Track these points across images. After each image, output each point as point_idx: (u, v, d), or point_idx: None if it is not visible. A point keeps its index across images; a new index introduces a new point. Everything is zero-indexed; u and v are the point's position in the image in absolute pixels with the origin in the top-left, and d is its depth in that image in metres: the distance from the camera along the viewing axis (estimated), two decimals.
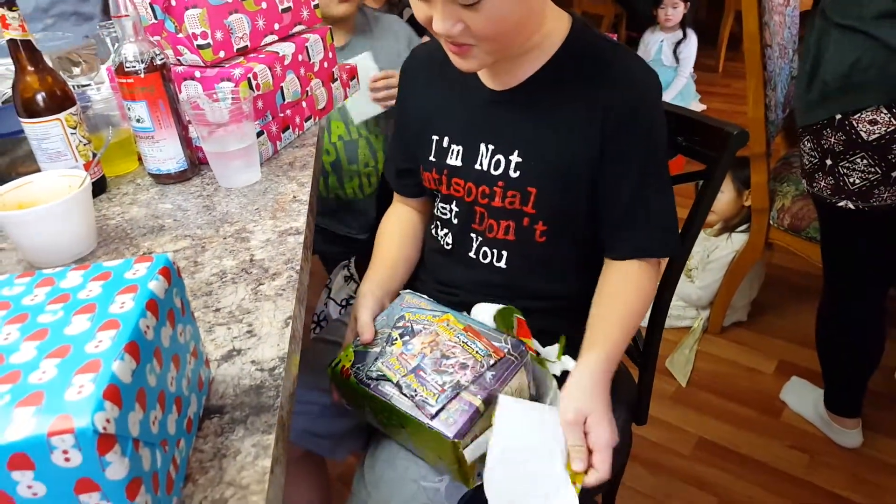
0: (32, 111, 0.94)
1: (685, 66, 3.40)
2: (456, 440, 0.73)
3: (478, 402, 0.76)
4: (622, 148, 0.85)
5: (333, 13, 1.54)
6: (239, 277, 0.79)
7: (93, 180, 0.99)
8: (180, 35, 1.01)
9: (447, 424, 0.74)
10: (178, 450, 0.51)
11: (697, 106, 3.50)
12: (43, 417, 0.40)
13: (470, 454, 0.75)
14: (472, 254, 0.97)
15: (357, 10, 1.62)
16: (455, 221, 0.98)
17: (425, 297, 0.94)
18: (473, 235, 0.96)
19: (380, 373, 0.83)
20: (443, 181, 0.96)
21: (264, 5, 1.09)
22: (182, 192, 1.03)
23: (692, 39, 3.39)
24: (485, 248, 0.96)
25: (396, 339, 0.87)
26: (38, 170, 0.99)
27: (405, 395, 0.79)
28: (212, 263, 0.83)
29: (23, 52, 0.92)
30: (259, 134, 1.07)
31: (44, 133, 0.95)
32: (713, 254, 2.05)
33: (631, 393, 1.08)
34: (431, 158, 0.97)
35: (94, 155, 0.99)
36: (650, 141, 0.86)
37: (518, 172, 0.88)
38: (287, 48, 1.13)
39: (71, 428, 0.39)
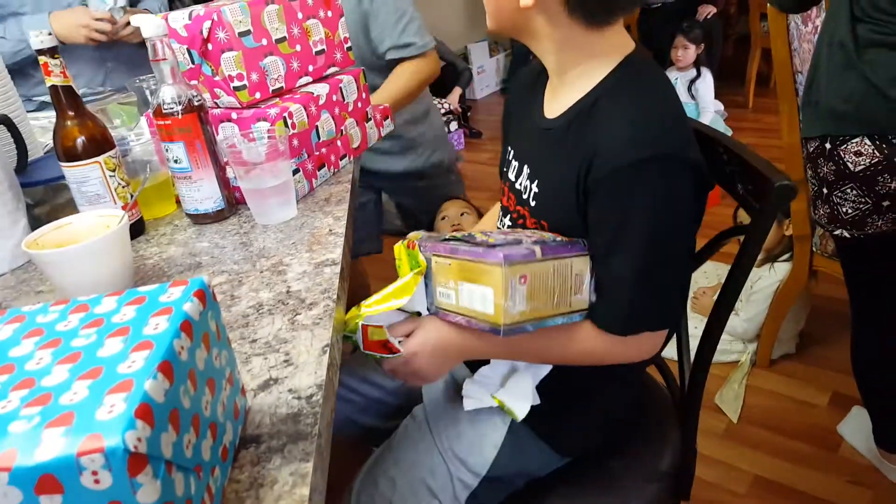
0: (72, 155, 0.96)
1: (704, 101, 3.46)
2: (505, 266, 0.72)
3: (537, 249, 0.75)
4: (596, 207, 0.79)
5: None
6: (275, 309, 0.78)
7: (131, 222, 1.00)
8: (217, 78, 1.03)
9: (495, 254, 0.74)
10: (212, 478, 0.49)
11: None
12: (72, 437, 0.38)
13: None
14: None
15: None
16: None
17: None
18: None
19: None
20: (504, 191, 0.98)
21: (298, 48, 1.11)
22: (219, 230, 1.03)
23: (706, 77, 3.46)
24: None
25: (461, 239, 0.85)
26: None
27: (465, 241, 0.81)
28: (248, 296, 0.82)
29: (63, 98, 0.94)
30: (295, 172, 1.08)
31: (83, 176, 0.96)
32: (756, 284, 1.98)
33: (673, 455, 0.99)
34: (503, 168, 1.00)
35: (132, 196, 1.00)
36: (630, 206, 0.76)
37: (535, 203, 0.88)
38: (321, 89, 1.14)
39: (101, 447, 0.37)
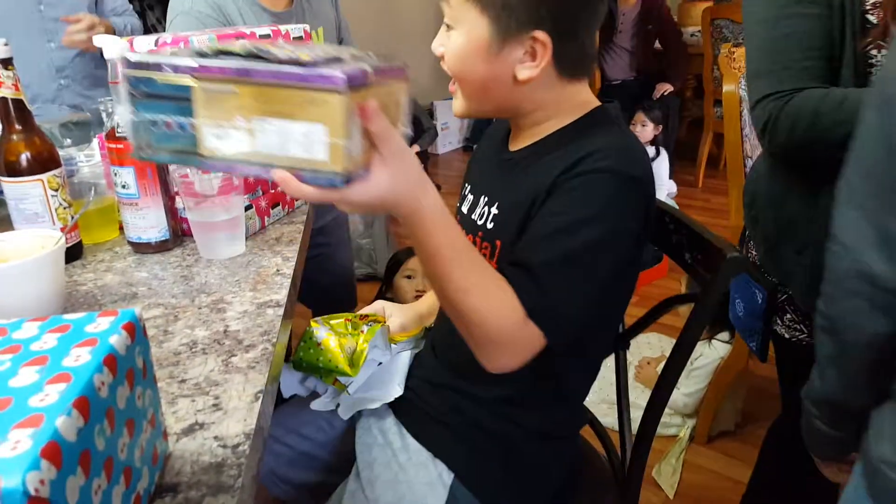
0: (15, 171, 0.92)
1: (660, 180, 3.54)
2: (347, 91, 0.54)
3: (368, 68, 0.58)
4: (546, 206, 0.78)
5: None
6: (210, 348, 0.74)
7: (68, 245, 0.95)
8: None
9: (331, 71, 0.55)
10: None
11: None
12: None
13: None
14: None
15: None
16: None
17: None
18: None
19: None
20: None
21: None
22: (161, 261, 0.99)
23: (663, 158, 3.53)
24: None
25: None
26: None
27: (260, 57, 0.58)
28: (183, 333, 0.78)
29: (12, 111, 0.91)
30: (247, 208, 1.05)
31: (23, 193, 0.92)
32: (697, 361, 2.01)
33: None
34: (458, 206, 1.00)
35: (73, 218, 0.96)
36: (577, 204, 0.75)
37: (492, 224, 0.88)
38: None
39: None
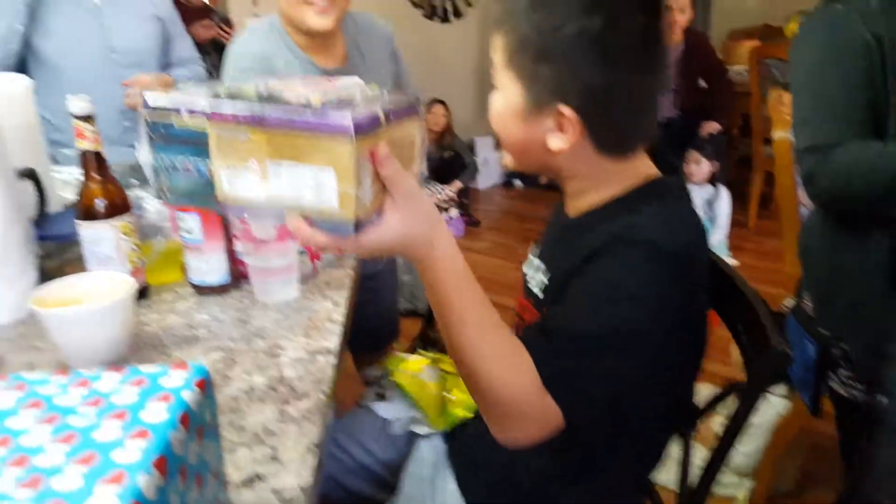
0: (91, 216, 0.98)
1: (720, 222, 3.47)
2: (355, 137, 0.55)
3: (379, 112, 0.59)
4: (579, 275, 0.77)
5: (312, 26, 1.38)
6: (266, 396, 0.78)
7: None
8: None
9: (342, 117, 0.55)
10: None
11: (730, 261, 3.53)
12: None
13: None
14: None
15: (341, 21, 1.43)
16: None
17: None
18: None
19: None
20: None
21: None
22: (220, 303, 1.04)
23: (723, 196, 3.47)
24: None
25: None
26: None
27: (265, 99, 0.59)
28: (241, 378, 0.82)
29: (93, 161, 0.97)
30: (301, 252, 1.10)
31: (97, 237, 0.99)
32: (755, 417, 1.94)
33: None
34: (524, 266, 0.98)
35: (142, 262, 1.02)
36: (606, 278, 0.74)
37: (542, 293, 0.89)
38: None
39: None
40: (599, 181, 0.84)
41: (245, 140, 0.58)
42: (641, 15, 0.75)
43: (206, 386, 0.55)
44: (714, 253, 0.97)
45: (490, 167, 5.25)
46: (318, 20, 1.37)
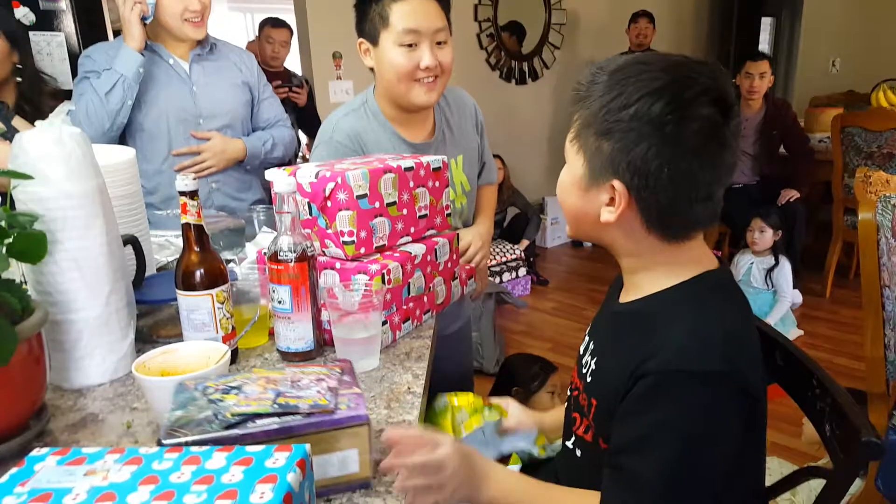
0: (190, 285, 1.04)
1: (782, 290, 3.40)
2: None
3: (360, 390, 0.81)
4: (631, 401, 0.81)
5: (418, 102, 1.44)
6: None
7: None
8: (330, 231, 1.12)
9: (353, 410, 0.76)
10: None
11: (795, 333, 3.42)
12: None
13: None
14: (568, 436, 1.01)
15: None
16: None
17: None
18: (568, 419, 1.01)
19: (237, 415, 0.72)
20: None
21: (405, 212, 1.21)
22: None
23: (785, 266, 3.40)
24: (569, 437, 0.99)
25: (221, 397, 0.77)
26: (180, 334, 1.08)
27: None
28: None
29: (194, 233, 1.04)
30: (383, 323, 1.13)
31: (195, 305, 1.05)
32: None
33: None
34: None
35: (233, 328, 1.07)
36: (668, 411, 0.78)
37: (590, 379, 0.92)
38: (418, 249, 1.22)
39: None
40: (648, 261, 0.88)
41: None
42: (709, 108, 0.78)
43: (305, 466, 0.58)
44: (785, 338, 0.96)
45: (560, 226, 5.27)
46: (426, 97, 1.43)
